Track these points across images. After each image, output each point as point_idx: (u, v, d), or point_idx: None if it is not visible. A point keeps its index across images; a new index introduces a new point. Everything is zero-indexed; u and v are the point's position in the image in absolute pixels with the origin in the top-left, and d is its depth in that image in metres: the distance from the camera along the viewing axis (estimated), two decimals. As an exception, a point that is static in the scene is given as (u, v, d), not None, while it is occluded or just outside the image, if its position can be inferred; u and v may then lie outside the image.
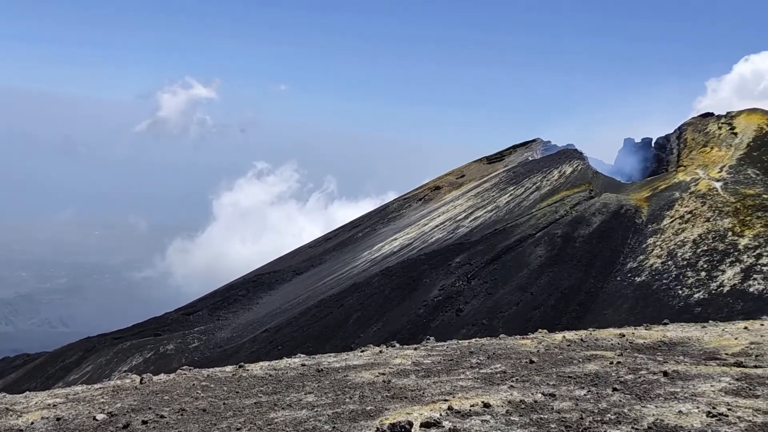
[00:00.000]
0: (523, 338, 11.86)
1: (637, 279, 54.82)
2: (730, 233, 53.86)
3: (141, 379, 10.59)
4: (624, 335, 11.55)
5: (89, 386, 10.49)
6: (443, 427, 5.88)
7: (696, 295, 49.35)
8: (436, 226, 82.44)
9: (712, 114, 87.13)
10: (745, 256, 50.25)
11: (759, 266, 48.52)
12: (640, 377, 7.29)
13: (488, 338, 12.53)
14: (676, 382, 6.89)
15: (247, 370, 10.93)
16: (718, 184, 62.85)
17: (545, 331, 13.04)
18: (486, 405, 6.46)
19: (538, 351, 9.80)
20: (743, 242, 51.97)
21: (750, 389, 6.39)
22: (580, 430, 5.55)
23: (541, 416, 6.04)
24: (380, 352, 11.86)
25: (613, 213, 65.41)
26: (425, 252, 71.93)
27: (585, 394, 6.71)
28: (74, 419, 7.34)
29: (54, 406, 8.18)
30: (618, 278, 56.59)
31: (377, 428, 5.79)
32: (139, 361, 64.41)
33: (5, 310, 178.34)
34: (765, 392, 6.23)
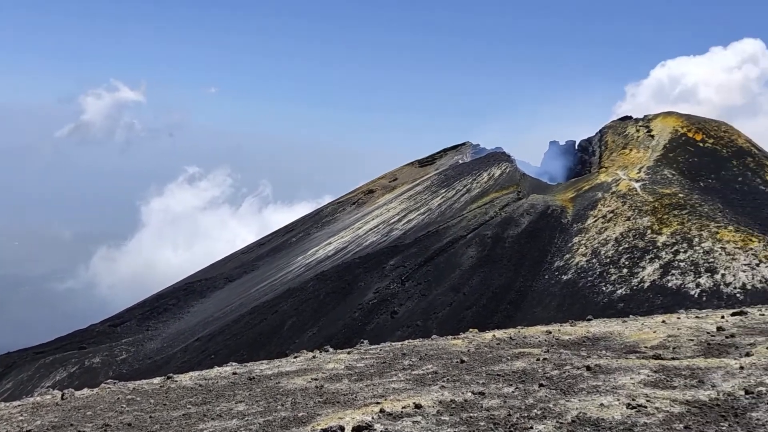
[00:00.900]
0: (454, 338, 12.04)
1: (564, 277, 56.70)
2: (649, 231, 56.52)
3: (62, 395, 10.09)
4: (550, 332, 11.91)
5: (8, 404, 9.91)
6: (375, 429, 5.88)
7: (619, 291, 51.50)
8: (370, 229, 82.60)
9: (630, 117, 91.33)
10: (664, 253, 52.82)
11: (676, 262, 51.09)
12: (564, 372, 7.53)
13: (421, 339, 12.66)
14: (598, 376, 7.16)
15: (176, 381, 10.61)
16: (637, 185, 65.89)
17: (476, 330, 13.29)
18: (417, 406, 6.51)
19: (468, 350, 9.98)
20: (661, 239, 54.63)
21: (667, 380, 6.71)
22: (508, 426, 5.67)
23: (471, 415, 6.14)
24: (313, 357, 11.77)
25: (540, 213, 67.42)
26: (360, 255, 71.94)
27: (513, 391, 6.87)
28: (-14, 441, 6.92)
29: (-36, 428, 7.69)
30: (546, 277, 58.36)
31: (308, 435, 5.73)
32: (63, 375, 61.38)
33: None
34: (681, 383, 6.55)
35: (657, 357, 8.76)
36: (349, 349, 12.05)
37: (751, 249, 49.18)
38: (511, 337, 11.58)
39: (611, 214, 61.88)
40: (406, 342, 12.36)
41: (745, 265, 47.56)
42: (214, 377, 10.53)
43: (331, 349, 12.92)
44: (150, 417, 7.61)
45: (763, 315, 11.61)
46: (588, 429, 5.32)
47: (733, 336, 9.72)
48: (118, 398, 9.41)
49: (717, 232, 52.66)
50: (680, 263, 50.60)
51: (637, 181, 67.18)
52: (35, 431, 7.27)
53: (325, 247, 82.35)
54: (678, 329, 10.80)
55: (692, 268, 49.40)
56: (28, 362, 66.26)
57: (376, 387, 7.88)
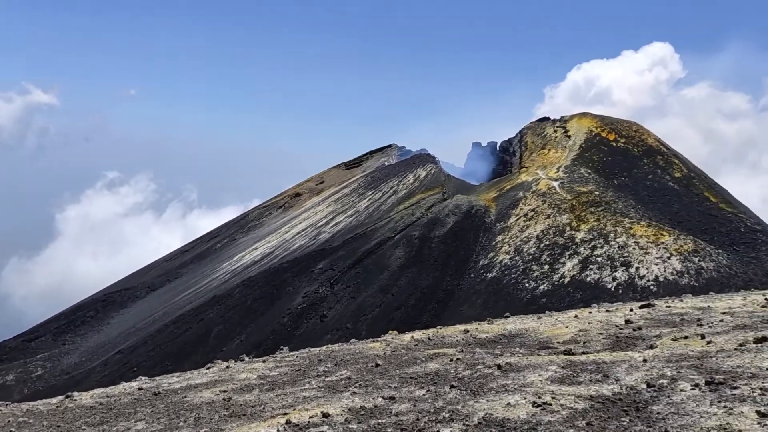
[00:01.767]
0: (373, 341, 11.87)
1: (489, 275, 57.86)
2: (568, 228, 58.48)
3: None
4: (468, 331, 11.93)
5: None
6: (278, 443, 5.59)
7: (541, 287, 53.00)
8: (298, 233, 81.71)
9: (548, 118, 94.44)
10: (582, 249, 54.76)
11: (594, 257, 53.07)
12: (476, 372, 7.48)
13: (340, 344, 12.41)
14: (508, 374, 7.13)
15: (75, 399, 9.91)
16: (555, 183, 68.10)
17: (395, 332, 13.18)
18: (325, 415, 6.26)
19: (384, 354, 9.82)
20: (579, 236, 56.63)
21: (573, 376, 6.74)
22: (416, 431, 5.52)
23: (379, 421, 5.95)
24: (227, 367, 11.30)
25: (465, 213, 68.54)
26: (287, 260, 71.00)
27: (424, 394, 6.73)
28: None
29: None
30: (472, 275, 59.40)
31: (206, 453, 5.37)
32: (-30, 397, 57.29)
33: None
34: (587, 378, 6.60)
35: (568, 352, 8.88)
36: (265, 357, 11.66)
37: (663, 243, 51.74)
38: (429, 338, 11.52)
39: (532, 213, 63.67)
40: (325, 347, 12.09)
41: (657, 258, 49.97)
42: (118, 394, 9.90)
43: (246, 358, 12.48)
44: (38, 442, 7.01)
45: (669, 307, 12.05)
46: (493, 430, 5.24)
47: (640, 328, 10.00)
48: (9, 421, 8.68)
49: (631, 228, 55.10)
50: (597, 258, 52.60)
51: (555, 180, 69.45)
52: None
53: (252, 252, 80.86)
54: (589, 323, 11.03)
55: (609, 262, 51.46)
56: (-69, 384, 61.60)
57: (286, 396, 7.58)
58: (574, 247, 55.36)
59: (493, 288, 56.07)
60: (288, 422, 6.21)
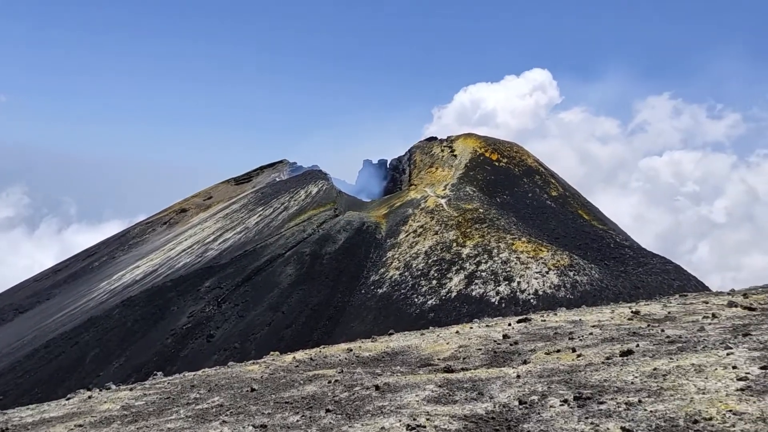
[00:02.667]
0: (253, 363, 11.33)
1: (379, 291, 58.33)
2: (454, 244, 60.23)
3: None
4: (351, 350, 11.71)
5: None
6: (131, 485, 5.03)
7: (429, 302, 54.09)
8: (183, 250, 78.68)
9: (436, 138, 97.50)
10: (468, 264, 56.54)
11: (479, 272, 54.91)
12: (354, 394, 7.24)
13: (217, 368, 11.76)
14: (385, 396, 6.95)
15: None
16: (443, 201, 70.08)
17: (277, 353, 12.70)
18: (187, 450, 5.75)
19: (262, 377, 9.35)
20: (465, 251, 58.47)
21: (450, 395, 6.67)
22: (285, 463, 5.17)
23: (247, 453, 5.55)
24: (89, 397, 10.33)
25: (357, 230, 68.85)
26: (172, 278, 68.06)
27: (297, 420, 6.39)
28: None
29: None
30: (363, 291, 59.62)
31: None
32: None
33: None
34: (462, 397, 6.54)
35: (447, 369, 8.87)
36: (132, 385, 10.79)
37: (542, 258, 54.50)
38: (311, 358, 11.17)
39: (421, 229, 65.05)
40: (200, 372, 11.40)
41: (536, 272, 52.52)
42: (-45, 434, 8.71)
43: (113, 386, 11.50)
44: None
45: (545, 321, 12.47)
46: (366, 458, 5.01)
47: (516, 343, 10.21)
48: None
49: (512, 244, 57.65)
50: (482, 273, 54.49)
51: (443, 197, 71.49)
52: None
53: (133, 270, 76.92)
54: (469, 339, 11.15)
55: (492, 277, 53.45)
56: None
57: (148, 430, 6.95)
58: (460, 262, 57.06)
59: (384, 303, 56.55)
60: (145, 460, 5.64)
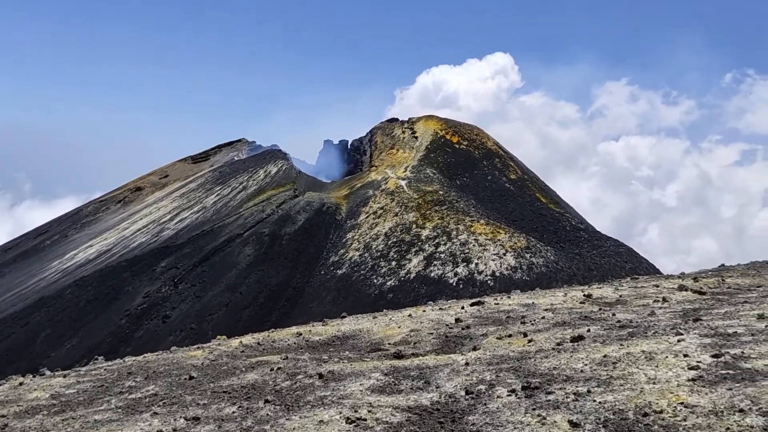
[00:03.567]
0: (197, 348, 10.87)
1: (339, 272, 58.06)
2: (414, 226, 60.22)
3: None
4: (301, 333, 11.34)
5: None
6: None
7: (389, 283, 54.09)
8: (139, 229, 76.94)
9: (397, 119, 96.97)
10: (427, 245, 56.62)
11: (438, 254, 55.07)
12: (296, 383, 6.89)
13: (159, 353, 11.26)
14: (328, 385, 6.62)
15: None
16: (403, 182, 69.91)
17: (224, 337, 12.25)
18: (109, 446, 5.32)
19: (203, 364, 8.91)
20: (425, 233, 58.53)
21: (395, 384, 6.38)
22: (214, 460, 4.80)
23: (174, 450, 5.16)
24: (20, 384, 9.73)
25: (316, 210, 68.24)
26: (126, 258, 66.61)
27: (233, 412, 6.01)
28: None
29: None
30: (322, 272, 59.28)
31: None
32: None
33: None
34: (408, 386, 6.26)
35: (397, 354, 8.60)
36: (66, 372, 10.22)
37: (500, 240, 54.94)
38: (259, 343, 10.77)
39: (381, 211, 64.82)
40: (141, 357, 10.88)
41: (494, 254, 52.93)
42: None
43: (48, 372, 10.90)
44: None
45: (498, 304, 12.32)
46: (300, 455, 4.69)
47: (468, 327, 10.00)
48: None
49: (471, 226, 57.94)
50: (441, 254, 54.67)
51: (403, 179, 71.31)
52: None
53: (86, 250, 75.02)
54: (421, 323, 10.91)
55: (451, 258, 53.68)
56: None
57: (74, 422, 6.47)
58: (419, 243, 57.11)
59: (343, 284, 56.33)
60: (63, 457, 5.20)
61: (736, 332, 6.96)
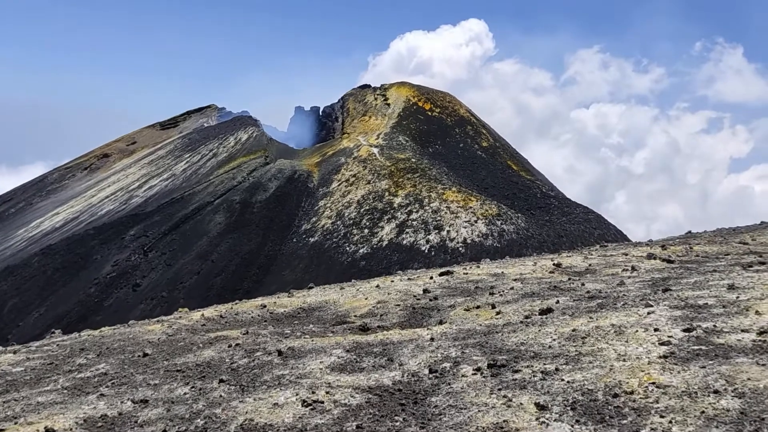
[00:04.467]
0: (156, 322, 10.47)
1: (311, 239, 57.70)
2: (387, 193, 59.93)
3: None
4: (265, 306, 11.00)
5: None
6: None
7: (361, 251, 53.93)
8: (106, 197, 75.50)
9: (369, 86, 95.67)
10: (399, 213, 56.47)
11: (410, 221, 54.97)
12: (254, 360, 6.56)
13: (115, 327, 10.83)
14: (288, 362, 6.31)
15: None
16: (375, 150, 69.30)
17: (186, 310, 11.86)
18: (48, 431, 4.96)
19: (159, 339, 8.53)
20: (397, 201, 58.31)
21: (357, 362, 6.09)
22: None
23: (116, 437, 4.82)
24: (-34, 362, 9.25)
25: (288, 178, 67.49)
26: (94, 226, 65.42)
27: (185, 393, 5.67)
28: None
29: None
30: (294, 240, 58.87)
31: None
32: None
33: None
34: (370, 363, 5.97)
35: (363, 327, 8.33)
36: (17, 347, 9.75)
37: (471, 207, 55.00)
38: (221, 315, 10.41)
39: (353, 178, 64.33)
40: (97, 332, 10.44)
41: (465, 222, 53.02)
42: None
43: (-1, 348, 10.41)
44: None
45: (467, 274, 12.11)
46: (250, 442, 4.39)
47: (436, 298, 9.76)
48: None
49: (443, 193, 57.87)
50: (413, 222, 54.60)
51: (375, 146, 70.68)
52: None
53: (52, 218, 73.53)
54: (388, 294, 10.64)
55: (423, 226, 53.65)
56: None
57: (16, 403, 6.07)
58: (392, 211, 56.94)
59: (315, 252, 56.05)
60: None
61: (706, 303, 6.81)
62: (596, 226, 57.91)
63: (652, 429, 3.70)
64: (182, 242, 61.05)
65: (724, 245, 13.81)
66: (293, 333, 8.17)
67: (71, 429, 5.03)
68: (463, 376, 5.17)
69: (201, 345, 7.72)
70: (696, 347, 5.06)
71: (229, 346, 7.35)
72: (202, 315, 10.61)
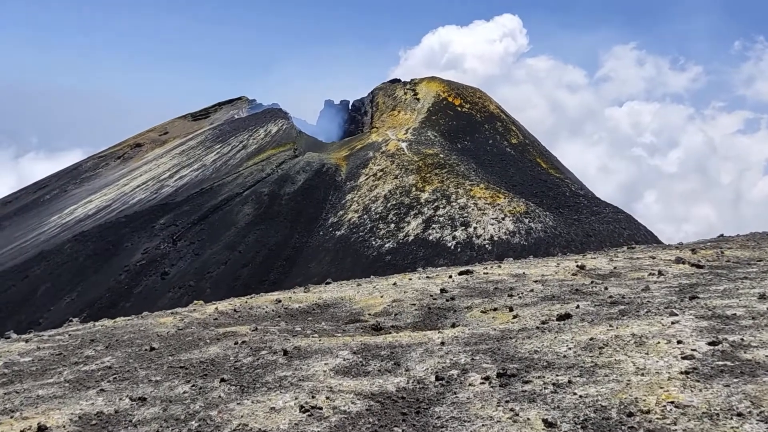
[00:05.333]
0: (170, 314, 10.40)
1: (338, 233, 57.69)
2: (414, 189, 59.57)
3: None
4: (281, 301, 10.85)
5: None
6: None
7: (387, 245, 53.71)
8: (138, 186, 76.66)
9: (399, 80, 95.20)
10: (426, 209, 56.07)
11: (436, 217, 54.54)
12: (258, 359, 6.39)
13: (129, 318, 10.80)
14: (292, 363, 6.12)
15: None
16: (404, 145, 68.93)
17: (201, 302, 11.79)
18: (41, 429, 4.84)
19: (168, 333, 8.42)
20: (424, 196, 57.91)
21: (362, 364, 5.87)
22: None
23: (109, 437, 4.69)
24: (-22, 349, 9.30)
25: (316, 171, 67.58)
26: (126, 214, 66.51)
27: (184, 392, 5.52)
28: None
29: None
30: (321, 233, 58.94)
31: None
32: None
33: None
34: (376, 368, 5.74)
35: (376, 327, 8.12)
36: (30, 336, 9.78)
37: (499, 204, 54.32)
38: (235, 310, 10.29)
39: (381, 173, 64.11)
40: (111, 322, 10.42)
41: (493, 218, 52.39)
42: None
43: (14, 335, 10.47)
44: None
45: (487, 273, 11.79)
46: (242, 448, 4.20)
47: (453, 299, 9.49)
48: None
49: (471, 190, 57.27)
50: (440, 218, 54.17)
51: (404, 141, 70.32)
52: None
53: (86, 205, 74.96)
54: (405, 292, 10.40)
55: (450, 222, 53.19)
56: None
57: (17, 395, 6.00)
58: (418, 207, 56.58)
59: (341, 245, 56.03)
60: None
61: (735, 314, 6.42)
62: (626, 226, 56.73)
63: (668, 454, 3.40)
64: (210, 232, 61.63)
65: (756, 250, 13.24)
66: (303, 331, 7.99)
67: (64, 426, 4.91)
68: (470, 385, 4.91)
69: (208, 341, 7.59)
70: (721, 362, 4.72)
71: (236, 343, 7.19)
72: (216, 308, 10.51)
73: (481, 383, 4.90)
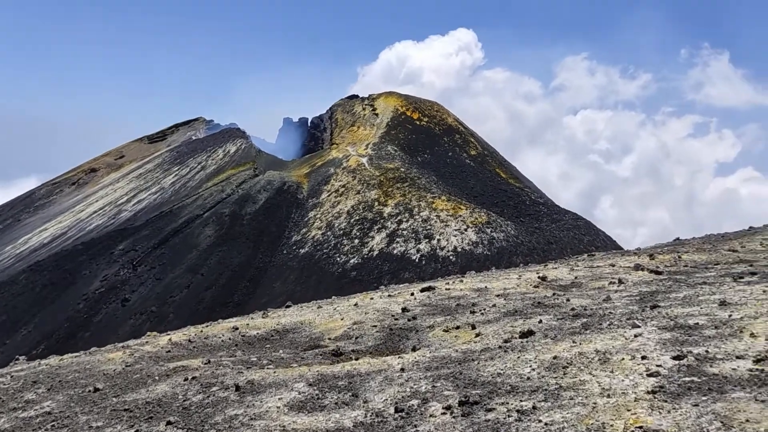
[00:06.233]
0: (120, 348, 9.88)
1: (302, 251, 57.09)
2: (376, 203, 59.42)
3: None
4: (237, 328, 10.44)
5: None
6: None
7: (352, 261, 53.33)
8: (95, 212, 74.77)
9: (357, 96, 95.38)
10: (389, 223, 55.94)
11: (400, 231, 54.44)
12: (208, 397, 6.01)
13: (80, 354, 10.24)
14: (244, 399, 5.77)
15: None
16: (365, 160, 68.84)
17: (155, 333, 11.28)
18: (-36, 492, 4.40)
19: (115, 371, 7.95)
20: (387, 210, 57.80)
21: (318, 398, 5.55)
22: None
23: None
24: None
25: (277, 189, 66.96)
26: (83, 241, 64.70)
27: (126, 439, 5.13)
28: None
29: None
30: (284, 251, 58.26)
31: None
32: None
33: None
34: (333, 400, 5.43)
35: (336, 352, 7.82)
36: (-31, 381, 9.13)
37: (460, 216, 54.55)
38: (189, 340, 9.84)
39: (343, 189, 63.84)
40: (57, 361, 9.84)
41: (455, 230, 52.53)
42: None
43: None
44: None
45: (449, 289, 11.60)
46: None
47: (415, 318, 9.24)
48: None
49: (433, 202, 57.41)
50: (403, 231, 54.08)
51: (364, 156, 70.25)
52: None
53: (40, 233, 72.73)
54: (366, 313, 10.11)
55: (413, 235, 53.13)
56: None
57: (-55, 452, 5.50)
58: (382, 221, 56.40)
59: (306, 263, 55.40)
60: None
61: (697, 323, 6.33)
62: (585, 232, 57.55)
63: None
64: (172, 256, 60.38)
65: (713, 253, 13.38)
66: (259, 361, 7.63)
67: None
68: (431, 416, 4.65)
69: (157, 377, 7.16)
70: (688, 378, 4.57)
71: (186, 379, 6.79)
72: (170, 339, 10.04)
73: (442, 413, 4.65)
